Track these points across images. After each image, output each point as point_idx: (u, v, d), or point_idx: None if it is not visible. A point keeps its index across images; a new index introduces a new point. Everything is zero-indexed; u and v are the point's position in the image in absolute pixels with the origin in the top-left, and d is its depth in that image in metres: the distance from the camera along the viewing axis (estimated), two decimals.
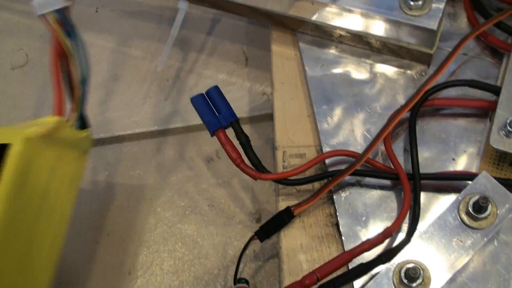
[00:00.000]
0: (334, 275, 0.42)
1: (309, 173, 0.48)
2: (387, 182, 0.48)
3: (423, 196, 0.47)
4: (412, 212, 0.45)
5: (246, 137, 0.47)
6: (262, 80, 0.59)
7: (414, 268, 0.38)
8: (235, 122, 0.46)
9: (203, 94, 0.47)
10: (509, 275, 0.44)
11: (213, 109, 0.47)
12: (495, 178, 0.44)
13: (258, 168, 0.46)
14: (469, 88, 0.48)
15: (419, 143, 0.48)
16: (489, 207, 0.39)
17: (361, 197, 0.48)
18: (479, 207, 0.39)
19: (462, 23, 0.53)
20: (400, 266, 0.39)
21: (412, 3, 0.46)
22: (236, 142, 0.47)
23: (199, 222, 0.55)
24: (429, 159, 0.48)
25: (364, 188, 0.48)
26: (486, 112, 0.49)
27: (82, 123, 0.47)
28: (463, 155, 0.48)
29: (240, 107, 0.58)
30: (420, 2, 0.46)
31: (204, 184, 0.56)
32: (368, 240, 0.42)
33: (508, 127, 0.44)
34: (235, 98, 0.59)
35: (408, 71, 0.51)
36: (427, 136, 0.49)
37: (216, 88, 0.47)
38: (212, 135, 0.47)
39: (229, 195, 0.56)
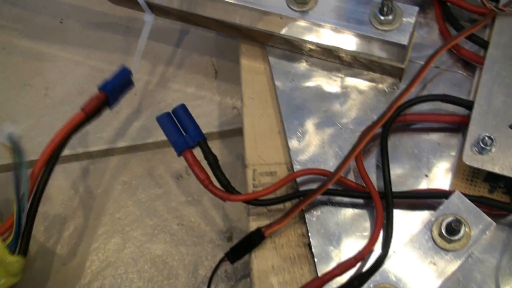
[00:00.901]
0: None
1: (280, 192, 0.47)
2: (359, 200, 0.47)
3: (397, 214, 0.46)
4: (385, 233, 0.44)
5: (214, 157, 0.45)
6: (232, 93, 0.58)
7: None
8: (202, 142, 0.45)
9: (169, 112, 0.46)
10: None
11: (180, 128, 0.45)
12: (468, 195, 0.43)
13: (227, 189, 0.45)
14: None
15: (391, 159, 0.47)
16: (462, 229, 0.39)
17: (333, 216, 0.47)
18: (452, 230, 0.38)
19: (434, 35, 0.52)
20: None
21: (382, 18, 0.45)
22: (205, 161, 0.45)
23: (168, 241, 0.54)
24: (402, 175, 0.47)
25: (337, 207, 0.47)
26: (459, 126, 0.48)
27: (17, 247, 0.44)
28: (437, 171, 0.47)
29: (210, 122, 0.57)
30: (390, 17, 0.45)
31: (173, 202, 0.55)
32: (339, 265, 0.41)
33: (481, 144, 0.43)
34: (204, 112, 0.57)
35: (380, 85, 0.50)
36: (399, 152, 0.48)
37: (182, 107, 0.46)
38: (179, 155, 0.45)
39: (199, 213, 0.54)
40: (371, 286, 0.38)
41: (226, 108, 0.57)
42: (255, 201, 0.45)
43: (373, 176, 0.47)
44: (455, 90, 0.50)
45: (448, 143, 0.48)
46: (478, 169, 0.44)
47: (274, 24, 0.49)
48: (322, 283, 0.40)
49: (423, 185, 0.47)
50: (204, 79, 0.59)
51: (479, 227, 0.39)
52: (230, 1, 0.49)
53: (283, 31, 0.49)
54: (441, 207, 0.40)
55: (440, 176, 0.47)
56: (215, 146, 0.56)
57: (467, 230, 0.39)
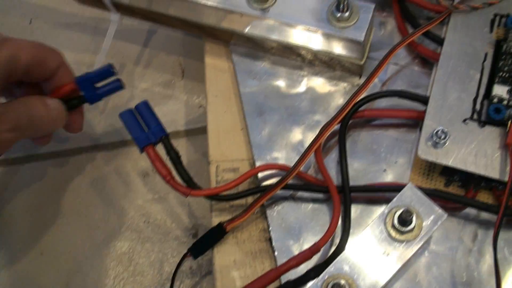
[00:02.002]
0: None
1: (242, 187, 0.48)
2: (319, 195, 0.48)
3: (356, 208, 0.47)
4: (342, 225, 0.45)
5: (176, 153, 0.46)
6: (199, 92, 0.59)
7: (340, 283, 0.38)
8: (165, 138, 0.46)
9: (132, 109, 0.46)
10: (441, 286, 0.44)
11: (143, 124, 0.46)
12: (423, 188, 0.44)
13: (189, 184, 0.46)
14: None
15: (350, 154, 0.48)
16: (414, 219, 0.40)
17: (293, 211, 0.47)
18: (404, 220, 0.39)
19: (393, 32, 0.53)
20: (327, 281, 0.38)
21: (338, 14, 0.46)
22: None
23: (134, 239, 0.54)
24: (361, 170, 0.48)
25: (297, 202, 0.48)
26: (416, 122, 0.49)
27: None
28: (394, 166, 0.48)
29: (177, 120, 0.57)
30: (346, 14, 0.46)
31: (139, 200, 0.55)
32: (295, 256, 0.42)
33: (435, 138, 0.44)
34: (171, 111, 0.58)
35: (340, 82, 0.51)
36: (358, 148, 0.49)
37: (145, 103, 0.47)
38: (141, 151, 0.46)
39: (165, 211, 0.55)
40: (326, 277, 0.39)
41: (192, 107, 0.58)
42: (216, 196, 0.46)
43: (334, 171, 0.48)
44: (413, 86, 0.51)
45: (405, 138, 0.49)
46: (434, 163, 0.45)
47: (235, 22, 0.50)
48: (278, 275, 0.41)
49: (382, 179, 0.48)
50: (171, 78, 0.60)
51: (431, 218, 0.40)
52: (193, 0, 0.49)
53: (244, 29, 0.50)
54: (394, 200, 0.41)
55: (398, 171, 0.48)
56: (181, 144, 0.57)
57: (418, 221, 0.40)
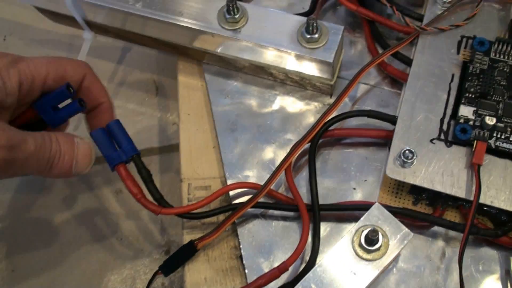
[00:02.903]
0: None
1: (214, 205, 0.48)
2: (290, 213, 0.48)
3: (326, 226, 0.47)
4: (312, 244, 0.46)
5: (147, 171, 0.46)
6: (172, 110, 0.59)
7: None
8: (136, 156, 0.46)
9: (103, 128, 0.46)
10: None
11: (114, 143, 0.46)
12: (391, 207, 0.45)
13: (159, 202, 0.46)
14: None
15: (321, 173, 0.49)
16: (380, 239, 0.40)
17: (264, 228, 0.48)
18: (370, 240, 0.40)
19: (364, 52, 0.54)
20: None
21: (308, 36, 0.47)
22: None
23: (107, 255, 0.54)
24: (331, 189, 0.49)
25: (268, 220, 0.48)
26: (386, 141, 0.50)
27: None
28: (364, 184, 0.49)
29: (150, 137, 0.58)
30: (316, 36, 0.47)
31: (112, 217, 0.56)
32: (263, 275, 0.42)
33: (403, 157, 0.44)
34: (145, 128, 0.58)
35: (312, 102, 0.52)
36: (329, 166, 0.50)
37: (117, 122, 0.47)
38: (112, 170, 0.46)
39: (138, 228, 0.55)
40: None
41: (166, 124, 0.58)
42: (187, 215, 0.46)
43: (304, 189, 0.49)
44: (383, 106, 0.52)
45: (375, 157, 0.50)
46: (403, 182, 0.46)
47: (207, 42, 0.51)
48: None
49: (352, 197, 0.48)
50: (145, 95, 0.60)
51: (397, 237, 0.41)
52: (165, 20, 0.50)
53: (216, 49, 0.51)
54: (362, 219, 0.41)
55: (367, 189, 0.49)
56: (155, 161, 0.57)
57: (385, 240, 0.41)
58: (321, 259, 0.41)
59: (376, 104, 0.52)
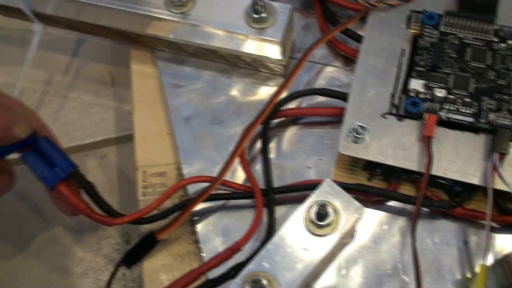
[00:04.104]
0: None
1: (172, 201, 0.47)
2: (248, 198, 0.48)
3: (283, 207, 0.47)
4: (267, 225, 0.45)
5: (90, 184, 0.44)
6: (129, 100, 0.58)
7: (259, 280, 0.38)
8: (74, 171, 0.43)
9: (34, 149, 0.43)
10: (366, 278, 0.45)
11: (48, 162, 0.43)
12: (345, 183, 0.45)
13: (109, 213, 0.45)
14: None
15: (277, 154, 0.49)
16: (331, 214, 0.40)
17: (221, 212, 0.48)
18: (320, 215, 0.40)
19: (317, 33, 0.54)
20: (247, 278, 0.39)
21: (256, 16, 0.47)
22: None
23: (67, 248, 0.53)
24: (286, 169, 0.49)
25: (225, 204, 0.48)
26: (340, 119, 0.49)
27: None
28: (319, 163, 0.49)
29: (107, 128, 0.57)
30: (264, 15, 0.47)
31: None
32: (215, 256, 0.42)
33: (354, 133, 0.44)
34: (101, 119, 0.58)
35: (266, 84, 0.52)
36: (284, 147, 0.49)
37: (46, 140, 0.44)
38: (52, 190, 0.44)
39: None
40: (246, 274, 0.39)
41: (123, 114, 0.58)
42: (140, 220, 0.45)
43: (261, 173, 0.48)
44: (337, 84, 0.52)
45: (329, 135, 0.50)
46: (357, 158, 0.46)
47: (156, 28, 0.50)
48: (199, 274, 0.41)
49: (307, 177, 0.48)
50: (101, 86, 0.59)
51: (349, 212, 0.41)
52: (112, 7, 0.49)
53: (166, 35, 0.50)
54: (312, 195, 0.41)
55: (323, 168, 0.49)
56: (113, 152, 0.56)
57: (336, 215, 0.40)
58: (274, 237, 0.41)
59: (331, 83, 0.52)
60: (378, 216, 0.47)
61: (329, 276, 0.45)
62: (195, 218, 0.47)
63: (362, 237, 0.46)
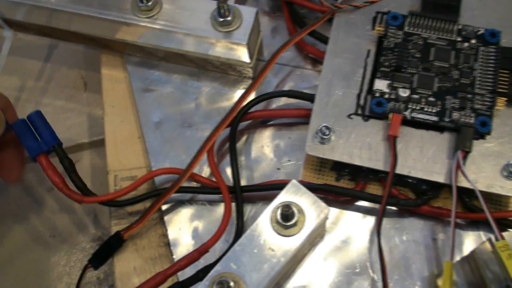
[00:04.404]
0: None
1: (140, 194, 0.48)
2: (217, 197, 0.48)
3: (252, 208, 0.48)
4: (236, 226, 0.46)
5: (70, 161, 0.46)
6: (101, 104, 0.59)
7: (226, 281, 0.38)
8: (57, 146, 0.46)
9: (24, 119, 0.46)
10: (335, 276, 0.46)
11: (35, 134, 0.46)
12: (313, 184, 0.46)
13: (83, 191, 0.46)
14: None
15: (246, 155, 0.50)
16: (296, 214, 0.40)
17: (192, 214, 0.48)
18: (285, 216, 0.40)
19: (286, 36, 0.54)
20: (214, 280, 0.39)
21: (221, 19, 0.47)
22: None
23: (42, 252, 0.54)
24: (255, 170, 0.49)
25: (195, 205, 0.49)
26: (307, 120, 0.50)
27: None
28: (288, 164, 0.49)
29: (80, 133, 0.58)
30: (229, 19, 0.47)
31: (46, 213, 0.55)
32: (183, 258, 0.42)
33: (321, 134, 0.45)
34: (74, 124, 0.58)
35: (235, 86, 0.52)
36: (253, 148, 0.50)
37: (38, 113, 0.47)
38: (32, 160, 0.46)
39: (72, 222, 0.55)
40: (213, 276, 0.39)
41: (95, 118, 0.58)
42: (110, 202, 0.46)
43: (230, 173, 0.49)
44: (305, 86, 0.52)
45: (298, 137, 0.50)
46: (325, 159, 0.47)
47: (124, 33, 0.50)
48: (166, 277, 0.41)
49: (276, 178, 0.49)
50: (74, 91, 0.60)
51: (314, 212, 0.41)
52: (81, 13, 0.50)
53: (134, 39, 0.51)
54: (278, 196, 0.42)
55: (291, 169, 0.49)
56: (86, 156, 0.57)
57: (301, 215, 0.41)
58: (241, 238, 0.41)
59: (300, 85, 0.52)
60: (347, 215, 0.48)
61: (299, 275, 0.45)
62: (166, 219, 0.48)
63: (332, 236, 0.47)
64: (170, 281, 0.42)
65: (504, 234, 0.41)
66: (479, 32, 0.48)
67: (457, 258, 0.45)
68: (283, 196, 0.42)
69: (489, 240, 0.41)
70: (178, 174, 0.46)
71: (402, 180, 0.46)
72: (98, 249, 0.47)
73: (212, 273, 0.40)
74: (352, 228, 0.47)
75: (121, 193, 0.46)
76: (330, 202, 0.47)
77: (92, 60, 0.61)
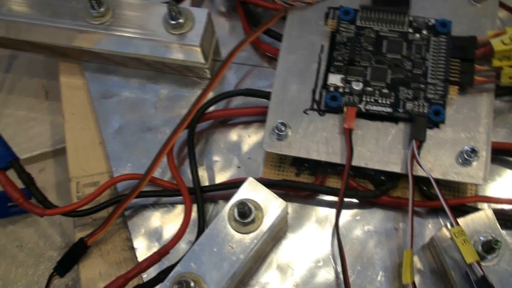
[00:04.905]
0: None
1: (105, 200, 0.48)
2: (178, 198, 0.49)
3: (214, 207, 0.48)
4: (198, 226, 0.46)
5: (28, 175, 0.46)
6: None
7: (184, 281, 0.39)
8: (14, 162, 0.46)
9: None
10: (299, 269, 0.46)
11: None
12: (272, 180, 0.46)
13: (44, 204, 0.46)
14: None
15: (206, 155, 0.50)
16: (253, 211, 0.41)
17: (154, 217, 0.48)
18: (242, 213, 0.41)
19: (242, 36, 0.55)
20: (174, 281, 0.39)
21: (173, 22, 0.48)
22: None
23: (8, 264, 0.54)
24: (216, 170, 0.50)
25: (157, 208, 0.49)
26: (265, 117, 0.50)
27: None
28: (248, 162, 0.50)
29: (43, 142, 0.58)
30: (181, 21, 0.48)
31: (11, 225, 0.55)
32: (143, 260, 0.42)
33: (277, 131, 0.45)
34: (37, 133, 0.58)
35: (193, 88, 0.53)
36: (213, 148, 0.50)
37: None
38: None
39: (38, 234, 0.55)
40: (174, 276, 0.40)
41: (58, 127, 0.58)
42: (72, 213, 0.46)
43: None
44: (264, 84, 0.53)
45: (257, 134, 0.51)
46: (284, 155, 0.47)
47: (79, 40, 0.51)
48: (126, 280, 0.41)
49: (237, 176, 0.49)
50: (35, 101, 0.60)
51: (271, 208, 0.42)
52: (35, 22, 0.50)
53: (90, 46, 0.51)
54: (235, 195, 0.42)
55: (251, 167, 0.50)
56: (50, 165, 0.57)
57: (259, 212, 0.41)
58: (201, 238, 0.42)
59: (259, 83, 0.53)
60: (309, 210, 0.48)
61: (263, 271, 0.46)
62: (130, 224, 0.48)
63: (294, 230, 0.47)
64: (132, 284, 0.43)
65: (461, 220, 0.42)
66: (430, 23, 0.48)
67: (420, 246, 0.46)
68: (241, 194, 0.42)
69: (445, 226, 0.42)
70: (139, 179, 0.47)
71: (361, 172, 0.47)
72: (62, 257, 0.47)
73: (172, 273, 0.40)
74: (314, 223, 0.48)
75: (82, 203, 0.46)
76: (291, 198, 0.48)
77: (52, 69, 0.60)
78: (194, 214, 0.46)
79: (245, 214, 0.41)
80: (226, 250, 0.41)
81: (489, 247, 0.40)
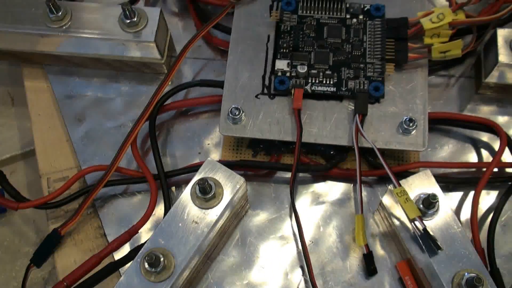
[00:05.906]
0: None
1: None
2: (146, 185, 0.52)
3: (179, 191, 0.51)
4: (164, 207, 0.49)
5: (0, 172, 0.49)
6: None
7: (153, 255, 0.42)
8: None
9: None
10: (260, 242, 0.50)
11: None
12: (230, 161, 0.50)
13: (16, 198, 0.49)
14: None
15: (168, 144, 0.53)
16: (213, 187, 0.44)
17: (123, 204, 0.51)
18: (203, 189, 0.44)
19: (195, 32, 0.58)
20: (143, 256, 0.42)
21: (128, 21, 0.51)
22: None
23: None
24: (179, 157, 0.53)
25: (126, 196, 0.52)
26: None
27: None
28: (207, 148, 0.53)
29: (12, 146, 0.60)
30: (135, 20, 0.51)
31: None
32: (114, 240, 0.45)
33: (231, 115, 0.49)
34: (5, 139, 0.60)
35: (152, 83, 0.56)
36: (174, 137, 0.54)
37: None
38: None
39: (12, 231, 0.57)
40: (144, 252, 0.43)
41: (25, 130, 0.61)
42: (44, 205, 0.49)
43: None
44: (218, 76, 0.56)
45: (215, 121, 0.54)
46: (240, 138, 0.51)
47: (40, 44, 0.53)
48: (99, 259, 0.44)
49: (199, 161, 0.52)
50: (2, 107, 0.62)
51: (230, 184, 0.45)
52: None
53: (50, 49, 0.54)
54: (196, 174, 0.45)
55: (211, 151, 0.53)
56: (20, 167, 0.59)
57: (219, 188, 0.45)
58: (167, 215, 0.45)
59: (211, 74, 0.56)
60: (267, 187, 0.52)
61: (228, 247, 0.49)
62: (100, 213, 0.51)
63: (256, 207, 0.51)
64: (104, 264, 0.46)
65: (403, 181, 0.46)
66: (365, 8, 0.52)
67: (373, 213, 0.50)
68: (201, 173, 0.45)
69: (389, 189, 0.46)
70: (105, 170, 0.50)
71: (312, 148, 0.51)
72: (38, 248, 0.49)
73: (142, 250, 0.43)
74: (273, 199, 0.51)
75: (54, 195, 0.49)
76: (250, 178, 0.51)
77: (16, 76, 0.63)
78: (160, 199, 0.50)
79: (206, 190, 0.44)
80: (191, 225, 0.44)
81: (428, 202, 0.44)
